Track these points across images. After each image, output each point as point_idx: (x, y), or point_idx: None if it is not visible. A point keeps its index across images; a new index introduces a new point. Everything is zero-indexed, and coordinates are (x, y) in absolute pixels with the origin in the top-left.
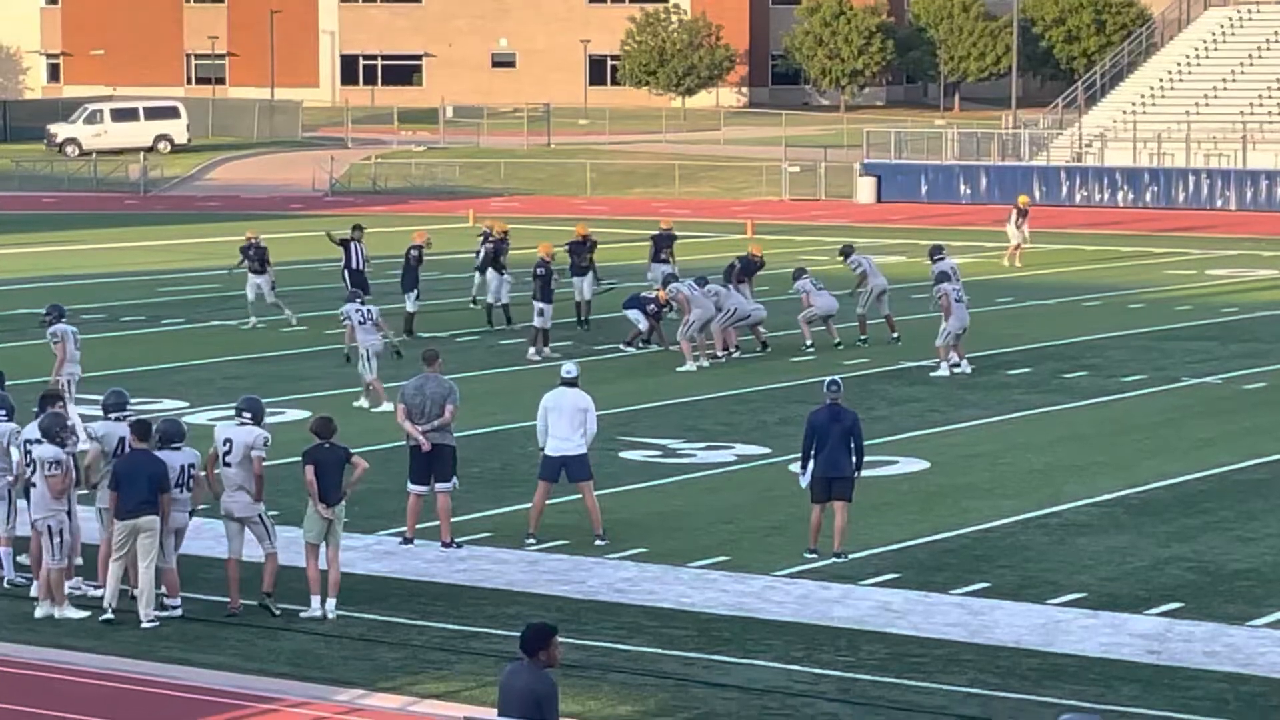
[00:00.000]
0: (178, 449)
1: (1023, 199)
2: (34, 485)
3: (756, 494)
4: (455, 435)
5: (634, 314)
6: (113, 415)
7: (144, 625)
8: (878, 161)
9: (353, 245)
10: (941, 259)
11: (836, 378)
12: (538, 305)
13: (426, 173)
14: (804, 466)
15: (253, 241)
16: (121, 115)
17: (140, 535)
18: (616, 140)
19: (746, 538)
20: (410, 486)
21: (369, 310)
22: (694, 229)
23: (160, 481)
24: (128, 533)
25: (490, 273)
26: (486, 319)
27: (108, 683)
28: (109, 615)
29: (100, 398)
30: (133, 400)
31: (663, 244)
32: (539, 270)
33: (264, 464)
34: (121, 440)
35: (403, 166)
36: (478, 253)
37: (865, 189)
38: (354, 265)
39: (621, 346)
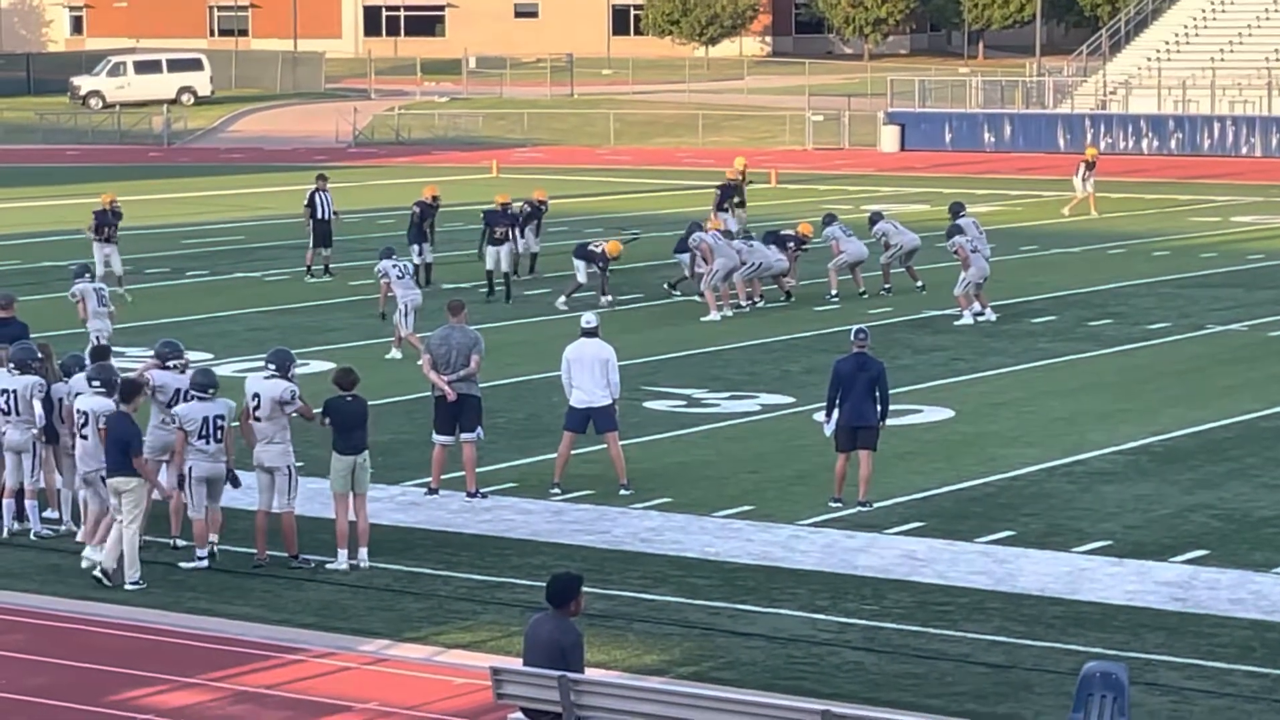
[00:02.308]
0: (208, 399)
1: (1090, 151)
2: (84, 438)
3: (781, 443)
4: (481, 386)
5: (579, 264)
6: (196, 394)
7: (127, 587)
8: (902, 110)
9: (318, 195)
10: (962, 216)
11: (864, 326)
12: (578, 262)
13: (450, 124)
14: (829, 415)
15: (111, 205)
16: (145, 67)
17: (122, 495)
18: (640, 90)
19: (771, 487)
20: (435, 437)
21: (406, 265)
22: (718, 179)
23: (129, 445)
24: (111, 492)
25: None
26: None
27: (135, 634)
28: (97, 574)
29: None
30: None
31: (728, 194)
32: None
33: (299, 410)
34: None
35: (426, 117)
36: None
37: (889, 138)
38: (319, 215)
39: (560, 303)
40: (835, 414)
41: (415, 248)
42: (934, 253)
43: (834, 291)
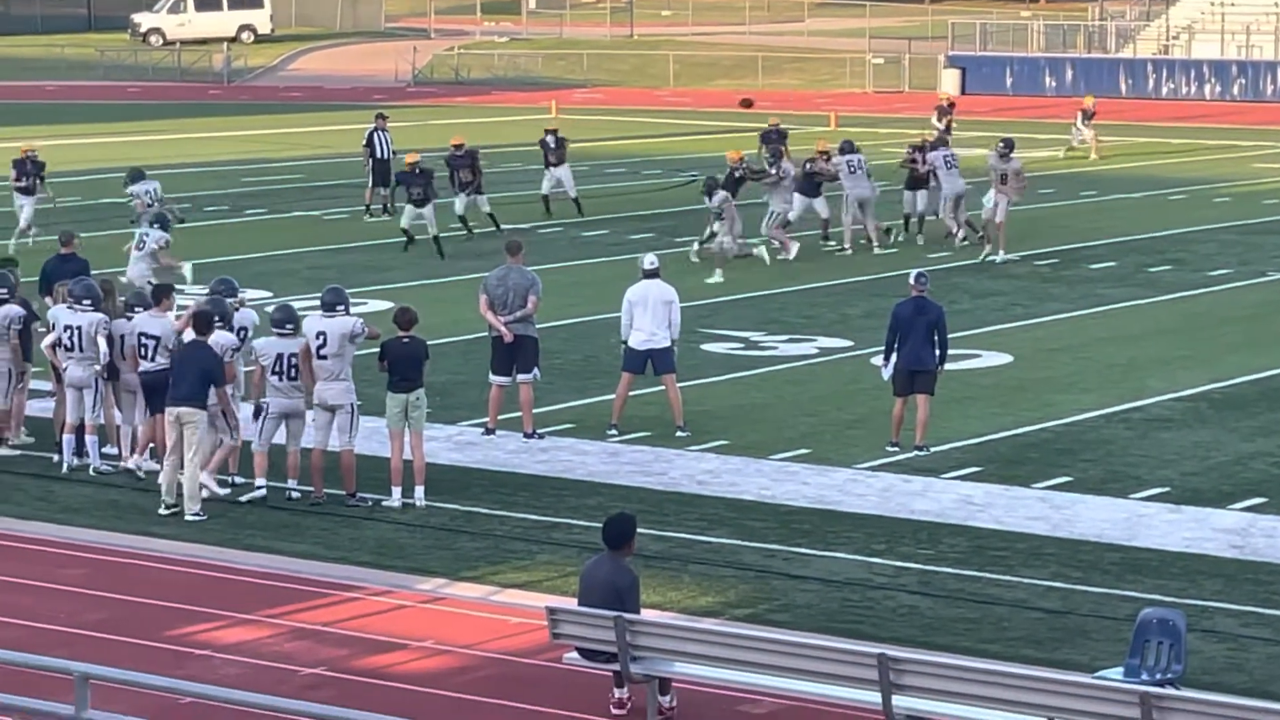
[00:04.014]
0: (287, 334)
1: (1089, 99)
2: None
3: (838, 387)
4: (538, 326)
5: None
6: (275, 330)
7: (187, 518)
8: (963, 53)
9: (378, 134)
10: (1008, 157)
11: (924, 270)
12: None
13: (509, 64)
14: (886, 358)
15: (29, 155)
16: (205, 4)
17: (185, 427)
18: (700, 31)
19: (828, 430)
20: (492, 377)
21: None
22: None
23: (211, 374)
24: (173, 422)
25: (557, 168)
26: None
27: (192, 569)
28: (163, 510)
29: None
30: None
31: (769, 141)
32: (735, 173)
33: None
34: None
35: (485, 57)
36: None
37: (950, 81)
38: (379, 154)
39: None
40: (893, 357)
41: (457, 197)
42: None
43: (846, 245)
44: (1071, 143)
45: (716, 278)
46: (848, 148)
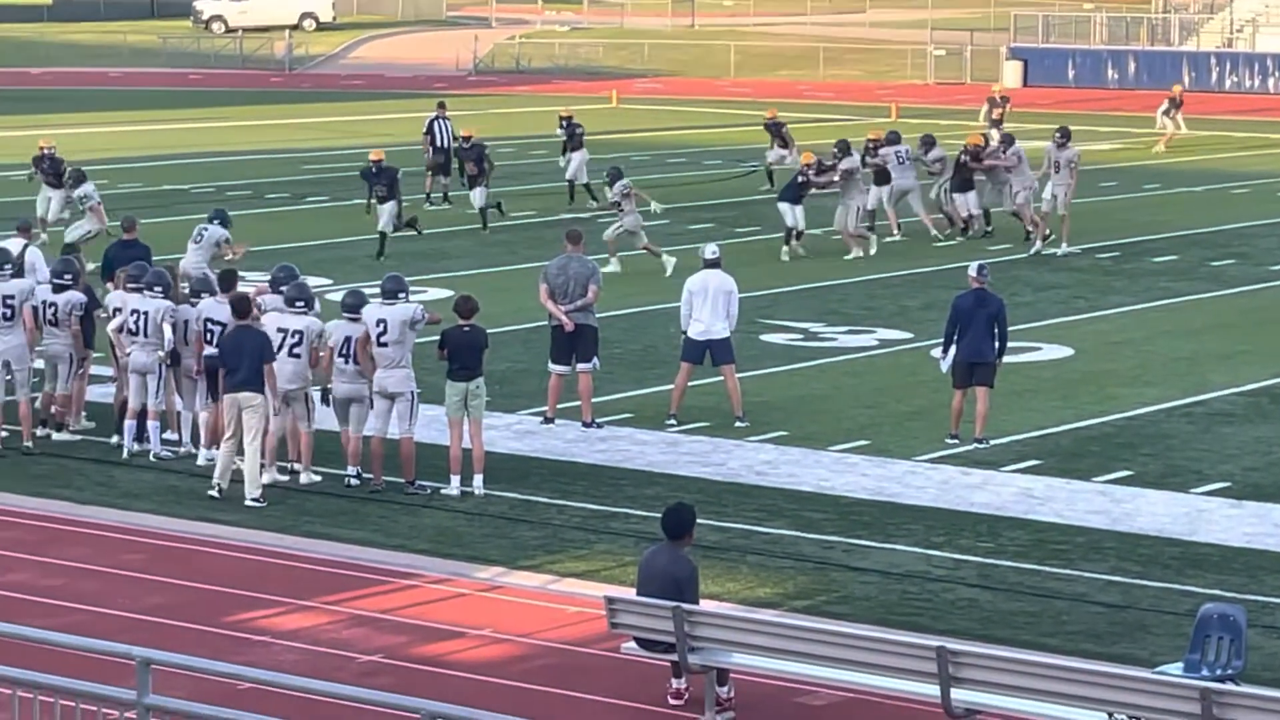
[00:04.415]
0: (356, 319)
1: (1176, 88)
2: (296, 356)
3: (898, 378)
4: (598, 316)
5: (786, 207)
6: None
7: (246, 503)
8: (1025, 45)
9: (438, 123)
10: (1065, 144)
11: (984, 262)
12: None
13: (570, 53)
14: (945, 350)
15: (46, 151)
16: None
17: (244, 411)
18: (761, 21)
19: (887, 422)
20: (551, 366)
21: None
22: (838, 112)
23: (263, 356)
24: (231, 407)
25: (573, 154)
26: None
27: (252, 555)
28: (214, 493)
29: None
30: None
31: (770, 133)
32: (799, 178)
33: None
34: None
35: (546, 46)
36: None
37: (1012, 73)
38: (439, 142)
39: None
40: (951, 350)
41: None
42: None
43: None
44: (1165, 132)
45: (612, 266)
46: (894, 138)
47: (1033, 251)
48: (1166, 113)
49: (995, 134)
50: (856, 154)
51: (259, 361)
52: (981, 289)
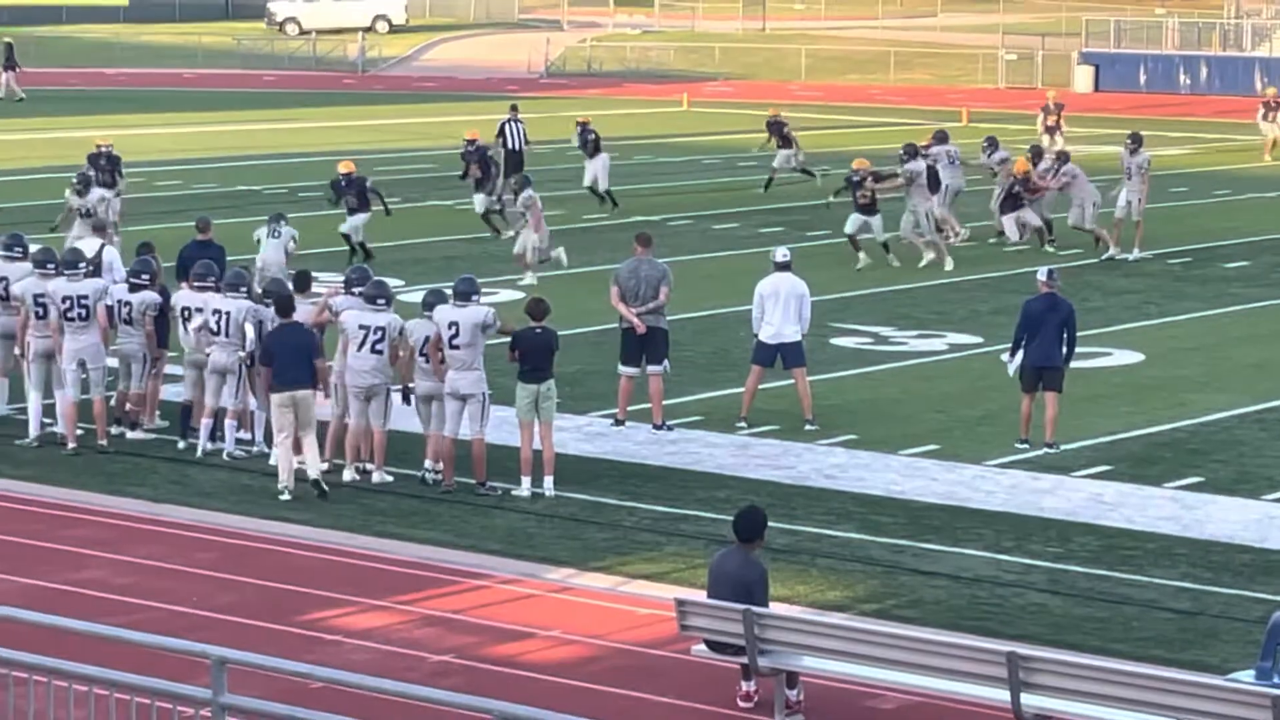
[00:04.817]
0: (381, 309)
1: (1270, 90)
2: (378, 353)
3: (968, 383)
4: (669, 319)
5: (1009, 221)
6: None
7: (324, 488)
8: (1096, 50)
9: (510, 125)
10: (1137, 149)
11: (1054, 267)
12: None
13: (641, 56)
14: (1012, 354)
15: (103, 149)
16: None
17: (298, 407)
18: (832, 25)
19: (957, 426)
20: (621, 368)
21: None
22: (908, 116)
23: (312, 351)
24: (285, 405)
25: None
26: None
27: (324, 555)
28: (285, 496)
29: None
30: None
31: (772, 131)
32: (853, 179)
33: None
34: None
35: (618, 49)
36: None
37: (1083, 78)
38: (511, 145)
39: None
40: (1019, 354)
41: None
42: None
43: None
44: (1269, 137)
45: (529, 279)
46: (943, 137)
47: (1104, 257)
48: (1265, 117)
49: (1047, 140)
50: (923, 160)
51: (308, 358)
52: (1052, 293)
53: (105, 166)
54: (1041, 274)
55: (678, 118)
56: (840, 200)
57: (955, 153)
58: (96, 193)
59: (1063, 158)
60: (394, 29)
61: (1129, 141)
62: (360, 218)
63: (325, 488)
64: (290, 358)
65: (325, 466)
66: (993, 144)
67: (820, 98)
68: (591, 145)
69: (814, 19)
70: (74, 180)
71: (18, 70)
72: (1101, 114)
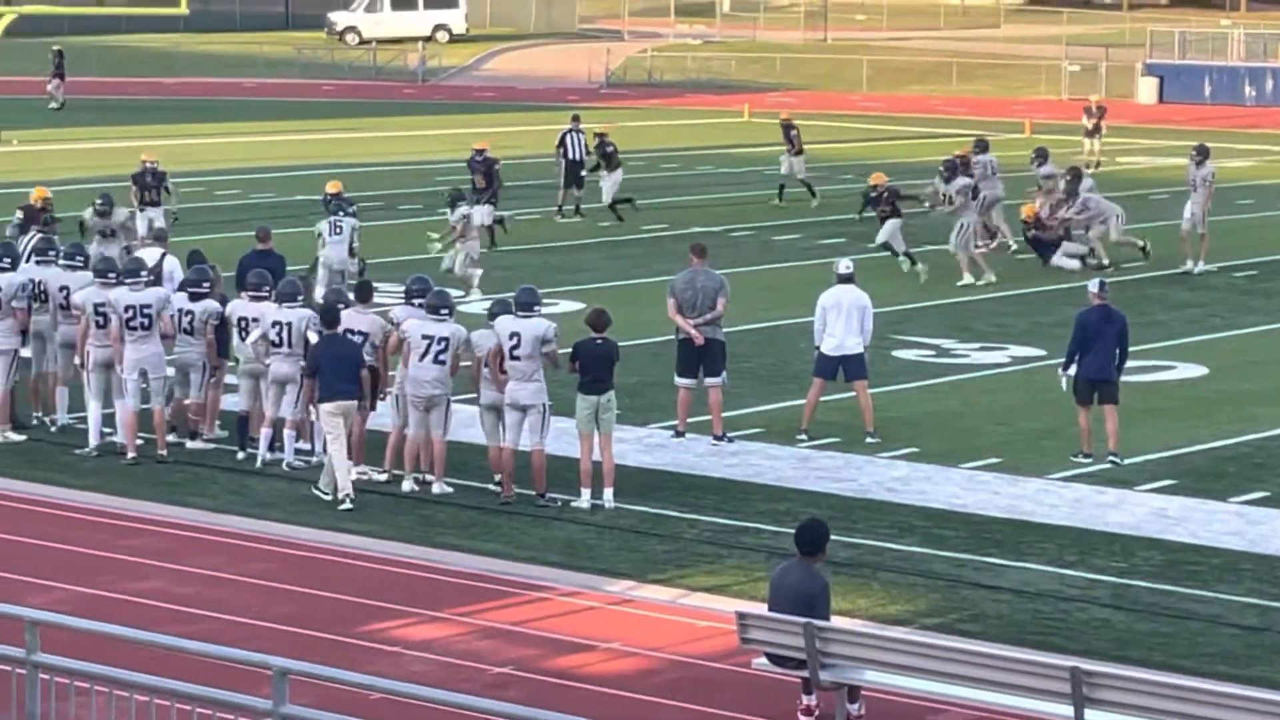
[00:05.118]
0: (443, 319)
1: None
2: (441, 363)
3: (1030, 396)
4: (729, 330)
5: (1068, 261)
6: (422, 307)
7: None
8: (1161, 62)
9: (571, 135)
10: (1203, 161)
11: (1104, 279)
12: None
13: (702, 66)
14: (1066, 367)
15: (148, 165)
16: (401, 4)
17: (345, 417)
18: (894, 36)
19: (1019, 440)
20: (677, 380)
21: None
22: (971, 127)
23: (359, 362)
24: (334, 414)
25: (604, 173)
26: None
27: (382, 566)
28: (347, 505)
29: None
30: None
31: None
32: (871, 194)
33: (550, 353)
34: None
35: (679, 60)
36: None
37: (1147, 89)
38: (572, 155)
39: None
40: (1072, 367)
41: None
42: (1153, 209)
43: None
44: None
45: (474, 295)
46: (983, 146)
47: (1183, 270)
48: None
49: (1088, 143)
50: (966, 177)
51: (355, 369)
52: (1105, 305)
53: (151, 183)
54: (1093, 286)
55: (739, 128)
56: (868, 215)
57: (994, 163)
58: (123, 212)
59: (1075, 177)
60: (454, 39)
61: (1194, 154)
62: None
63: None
64: (337, 369)
65: (406, 488)
66: (1042, 156)
67: (882, 108)
68: (610, 159)
69: (876, 30)
70: (97, 201)
71: (65, 78)
72: (1166, 126)
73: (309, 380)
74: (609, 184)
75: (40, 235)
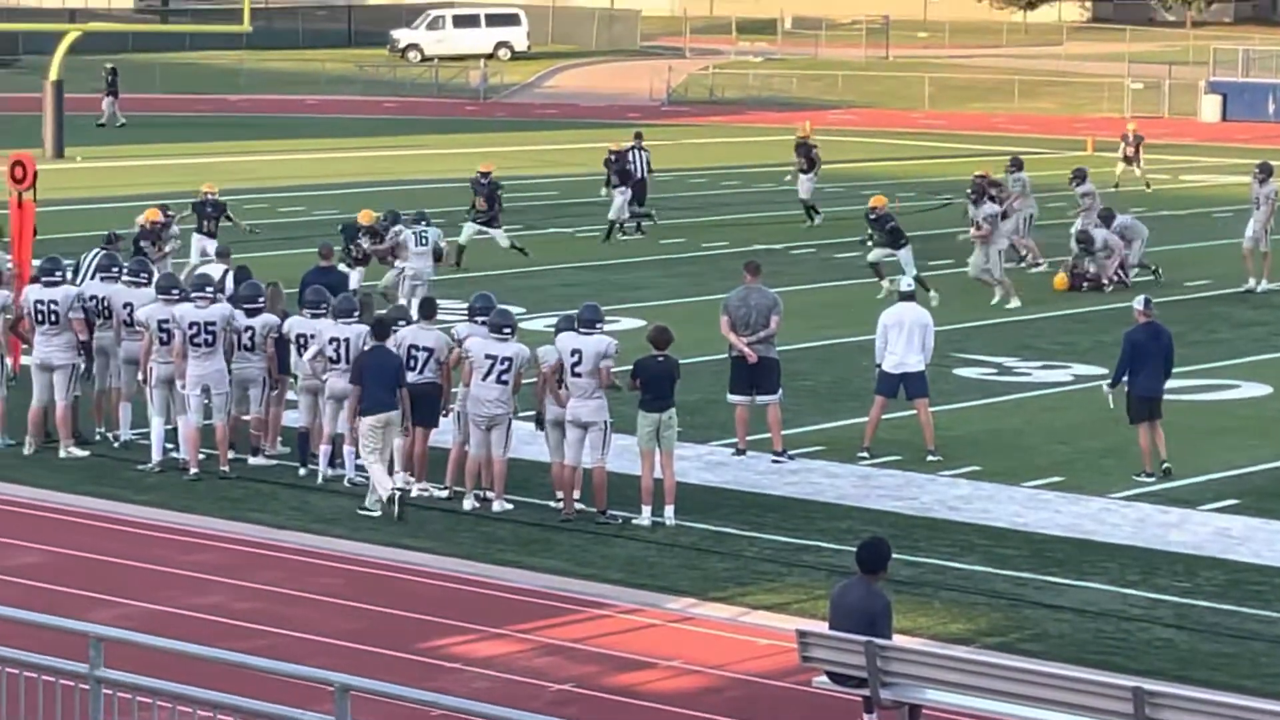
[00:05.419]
0: (505, 338)
1: None
2: (504, 382)
3: (1093, 414)
4: (789, 348)
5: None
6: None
7: (366, 507)
8: (1224, 80)
9: (633, 152)
10: (1266, 179)
11: (1149, 296)
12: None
13: (764, 84)
14: (1114, 385)
15: (209, 197)
16: (463, 21)
17: (388, 429)
18: (956, 54)
19: (1082, 459)
20: (730, 397)
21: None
22: (1033, 145)
23: (400, 376)
24: (378, 427)
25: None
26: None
27: (444, 582)
28: (388, 510)
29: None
30: (460, 306)
31: (799, 153)
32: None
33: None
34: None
35: (740, 77)
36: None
37: (1210, 107)
38: (634, 173)
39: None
40: (1122, 383)
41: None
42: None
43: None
44: None
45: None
46: (1019, 165)
47: (1245, 289)
48: None
49: (1120, 168)
50: (993, 203)
51: (396, 382)
52: (1152, 322)
53: (211, 214)
54: (1138, 303)
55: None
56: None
57: (1028, 181)
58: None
59: (1016, 165)
60: (516, 56)
61: (1257, 171)
62: (357, 272)
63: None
64: (379, 381)
65: (467, 505)
66: (1080, 176)
67: (944, 126)
68: (625, 176)
69: (938, 48)
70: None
71: (119, 96)
72: (1229, 144)
73: (352, 390)
74: (618, 202)
75: (104, 252)
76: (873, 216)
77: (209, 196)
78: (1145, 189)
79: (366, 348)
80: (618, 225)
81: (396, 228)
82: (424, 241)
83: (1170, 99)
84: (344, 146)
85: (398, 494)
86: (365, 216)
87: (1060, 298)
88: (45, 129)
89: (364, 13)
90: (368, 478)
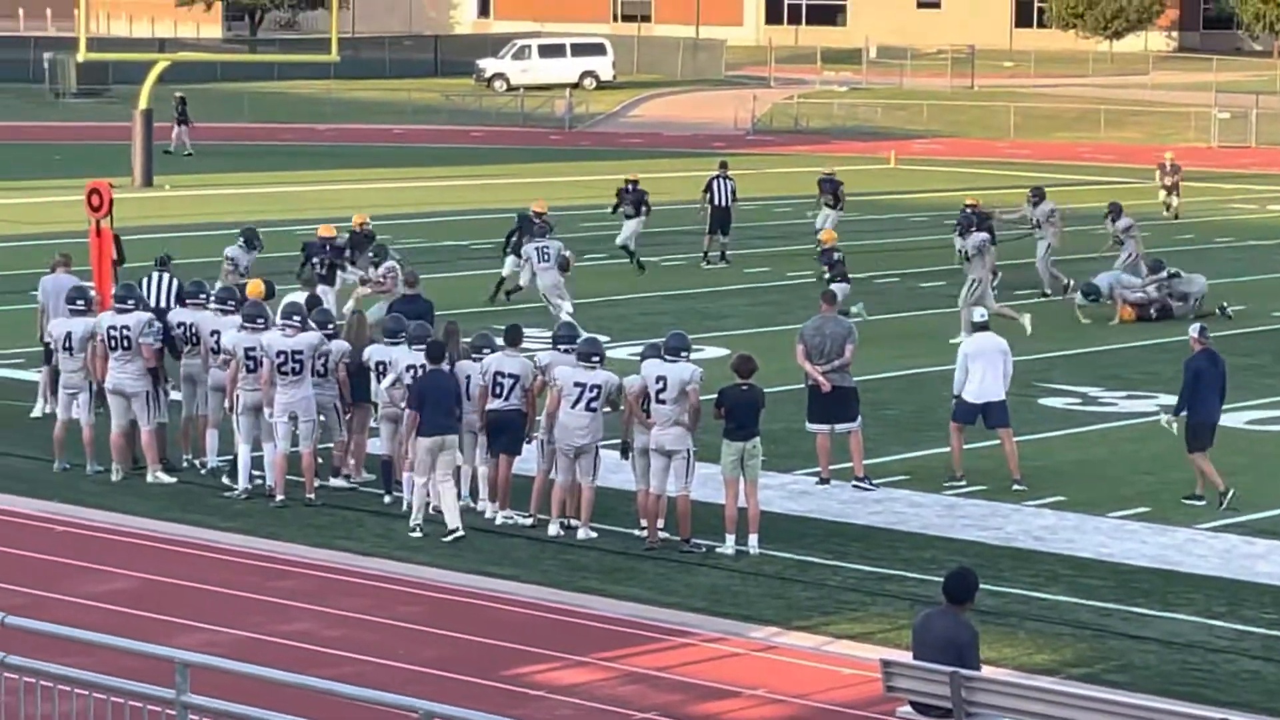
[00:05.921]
0: (594, 366)
1: None
2: (592, 410)
3: (1179, 444)
4: (871, 377)
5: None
6: (561, 347)
7: (447, 539)
8: None
9: (717, 181)
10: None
11: (1203, 324)
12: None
13: (848, 113)
14: (1177, 413)
15: (364, 229)
16: (549, 51)
17: (446, 453)
18: (1041, 83)
19: (1167, 489)
20: (810, 426)
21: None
22: (1119, 174)
23: (458, 398)
24: (434, 449)
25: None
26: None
27: (528, 610)
28: (416, 534)
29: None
30: (536, 330)
31: (824, 189)
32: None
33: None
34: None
35: (824, 106)
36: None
37: None
38: (718, 201)
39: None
40: (1185, 411)
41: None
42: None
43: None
44: None
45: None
46: (1041, 196)
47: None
48: None
49: (1161, 195)
50: (982, 233)
51: (454, 405)
52: (1209, 349)
53: (360, 243)
54: (1194, 331)
55: (885, 175)
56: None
57: (1055, 210)
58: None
59: (1038, 195)
60: (601, 85)
61: None
62: (332, 292)
63: (463, 533)
64: (438, 404)
65: (552, 531)
66: (1115, 212)
67: (1029, 155)
68: (639, 205)
69: (1023, 77)
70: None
71: (190, 125)
72: None
73: (410, 414)
74: (630, 228)
75: (194, 281)
76: (823, 251)
77: (366, 227)
78: (1173, 218)
79: (423, 371)
80: (632, 252)
81: (389, 264)
82: (546, 257)
83: (1257, 128)
84: (429, 175)
85: (419, 528)
86: (326, 230)
87: (1141, 328)
88: (134, 158)
89: (450, 43)
90: (437, 508)
